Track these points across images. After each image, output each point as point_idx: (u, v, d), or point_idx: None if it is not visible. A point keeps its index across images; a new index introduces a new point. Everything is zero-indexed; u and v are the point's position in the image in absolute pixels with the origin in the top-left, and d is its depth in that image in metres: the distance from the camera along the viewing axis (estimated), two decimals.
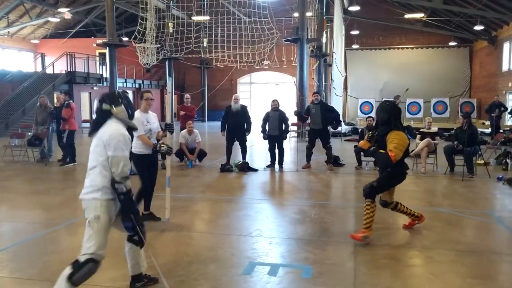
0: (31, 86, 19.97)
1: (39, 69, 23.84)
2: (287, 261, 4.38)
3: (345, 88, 26.18)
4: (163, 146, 5.21)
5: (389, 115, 4.70)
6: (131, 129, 3.38)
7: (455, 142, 9.12)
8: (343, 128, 19.29)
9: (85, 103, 24.10)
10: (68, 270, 3.07)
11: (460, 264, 4.26)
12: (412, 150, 11.05)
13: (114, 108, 3.25)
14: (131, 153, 3.38)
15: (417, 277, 4.00)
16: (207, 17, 25.21)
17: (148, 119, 5.40)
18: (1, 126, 17.73)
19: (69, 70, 22.05)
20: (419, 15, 23.31)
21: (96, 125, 3.26)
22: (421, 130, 10.32)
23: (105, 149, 3.15)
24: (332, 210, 6.44)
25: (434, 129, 10.27)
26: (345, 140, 16.78)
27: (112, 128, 3.20)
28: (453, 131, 10.01)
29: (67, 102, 10.60)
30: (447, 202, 6.95)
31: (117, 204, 3.25)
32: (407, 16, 23.57)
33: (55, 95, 18.36)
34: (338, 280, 3.90)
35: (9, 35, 25.80)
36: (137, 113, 5.27)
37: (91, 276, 3.14)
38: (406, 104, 23.07)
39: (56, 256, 4.46)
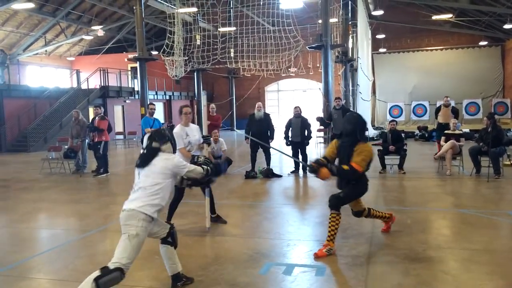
0: (67, 102, 20.96)
1: (75, 85, 24.98)
2: (303, 261, 4.55)
3: (373, 92, 26.02)
4: (201, 158, 5.47)
5: (354, 126, 4.65)
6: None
7: (481, 144, 9.02)
8: (371, 132, 19.20)
9: (119, 116, 25.04)
10: (96, 273, 3.32)
11: (473, 262, 4.31)
12: (436, 153, 11.01)
13: (162, 146, 3.76)
14: None
15: (429, 275, 4.08)
16: (233, 28, 25.74)
17: (188, 132, 5.65)
18: (40, 140, 18.70)
19: (102, 85, 23.01)
20: (447, 16, 22.96)
21: (145, 159, 3.73)
22: (446, 132, 10.24)
23: (168, 175, 3.69)
24: (351, 214, 6.53)
25: (464, 130, 10.15)
26: (373, 145, 16.68)
27: (169, 158, 3.75)
28: (479, 132, 9.88)
29: (101, 114, 11.16)
30: (470, 203, 6.93)
31: (155, 223, 3.70)
32: (434, 17, 23.26)
33: (90, 109, 19.23)
34: (350, 278, 4.05)
35: (46, 53, 27.18)
36: (177, 128, 5.69)
37: (116, 284, 3.37)
38: (411, 107, 22.78)
39: (87, 259, 4.81)
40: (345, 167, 4.53)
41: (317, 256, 4.56)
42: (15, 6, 19.87)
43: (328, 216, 4.73)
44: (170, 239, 3.82)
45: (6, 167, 13.60)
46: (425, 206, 6.90)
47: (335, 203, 4.68)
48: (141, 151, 3.93)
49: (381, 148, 10.19)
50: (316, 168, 4.58)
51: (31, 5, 20.12)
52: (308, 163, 4.74)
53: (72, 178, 10.93)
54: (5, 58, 20.92)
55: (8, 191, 9.29)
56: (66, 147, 12.00)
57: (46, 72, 27.80)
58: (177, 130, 5.63)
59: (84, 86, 24.18)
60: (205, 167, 3.96)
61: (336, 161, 4.83)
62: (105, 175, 10.89)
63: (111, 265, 3.34)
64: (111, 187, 9.92)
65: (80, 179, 10.76)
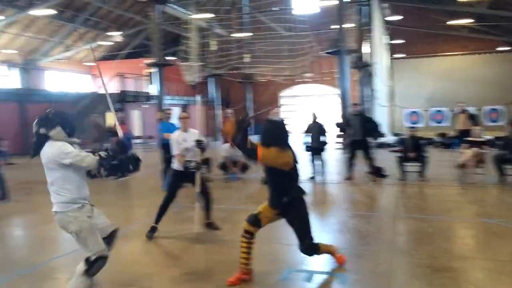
0: (87, 106, 21.30)
1: (94, 89, 25.37)
2: (324, 268, 4.52)
3: (392, 98, 25.80)
4: (192, 163, 5.51)
5: (267, 134, 4.12)
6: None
7: (505, 151, 8.84)
8: (389, 138, 19.02)
9: (136, 120, 25.34)
10: (82, 267, 3.45)
11: (499, 273, 4.22)
12: (457, 161, 10.81)
13: (50, 131, 3.38)
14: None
15: (454, 286, 4.01)
16: (248, 34, 25.86)
17: (185, 138, 5.68)
18: None
19: (120, 90, 23.32)
20: (464, 21, 22.68)
21: (34, 148, 3.44)
22: (468, 139, 10.03)
23: (59, 167, 3.36)
24: (372, 221, 6.49)
25: (486, 137, 9.97)
26: (391, 151, 16.51)
27: (53, 148, 3.37)
28: (502, 139, 9.69)
29: (121, 119, 11.34)
30: (494, 213, 6.79)
31: (85, 207, 3.55)
32: (451, 22, 23.00)
33: (107, 114, 19.48)
34: (373, 287, 4.00)
35: (66, 59, 27.67)
36: (175, 133, 5.78)
37: (103, 266, 3.52)
38: (430, 113, 22.52)
39: (109, 261, 4.85)
40: (255, 144, 4.04)
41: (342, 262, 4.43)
42: (36, 12, 20.32)
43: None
44: (88, 265, 3.51)
45: (29, 169, 13.80)
46: (448, 214, 6.79)
47: (313, 249, 4.21)
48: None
49: (400, 155, 10.07)
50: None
51: (51, 12, 20.55)
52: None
53: (93, 180, 11.01)
54: (25, 64, 21.35)
55: (31, 193, 9.46)
56: (87, 150, 12.18)
57: (66, 77, 28.27)
58: (174, 136, 5.76)
59: (102, 90, 24.53)
60: (97, 157, 3.44)
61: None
62: (124, 178, 11.01)
63: (91, 257, 3.45)
64: (131, 190, 10.03)
65: (101, 181, 10.88)
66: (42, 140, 3.37)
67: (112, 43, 27.06)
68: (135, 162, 4.46)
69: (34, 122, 3.44)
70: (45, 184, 3.55)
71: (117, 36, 25.37)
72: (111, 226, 3.74)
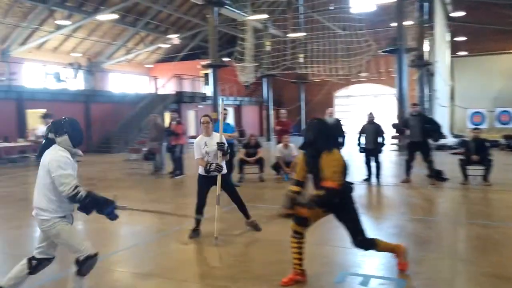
0: (146, 106, 22.21)
1: (152, 90, 26.39)
2: (380, 273, 4.40)
3: (452, 98, 24.62)
4: (212, 165, 5.50)
5: (314, 134, 3.94)
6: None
7: None
8: (450, 140, 18.18)
9: (191, 120, 26.03)
10: (74, 268, 3.49)
11: None
12: None
13: (58, 137, 3.43)
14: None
15: None
16: (303, 34, 25.73)
17: (207, 142, 5.65)
18: (121, 142, 19.95)
19: (177, 90, 24.08)
20: None
21: (41, 150, 3.50)
22: None
23: (48, 174, 3.34)
24: (431, 226, 6.23)
25: None
26: (452, 154, 15.76)
27: (53, 153, 3.39)
28: None
29: (178, 119, 11.69)
30: None
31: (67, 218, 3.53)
32: None
33: (166, 114, 20.21)
34: None
35: (127, 61, 29.01)
36: (198, 138, 5.76)
37: (95, 264, 3.55)
38: (495, 113, 21.05)
39: (166, 256, 5.05)
40: (319, 192, 3.82)
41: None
42: (100, 17, 21.48)
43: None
44: (78, 265, 3.48)
45: (92, 167, 14.65)
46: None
47: (368, 244, 4.06)
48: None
49: (462, 157, 9.58)
50: (291, 213, 3.96)
51: (114, 16, 21.63)
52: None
53: (151, 178, 11.52)
54: (91, 66, 22.61)
55: (95, 189, 9.86)
56: (145, 149, 12.69)
57: (127, 78, 29.64)
58: (196, 140, 5.75)
59: (160, 91, 25.50)
60: (81, 189, 3.35)
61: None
62: (180, 176, 11.35)
63: (80, 257, 3.46)
64: (186, 188, 10.31)
65: (158, 179, 11.30)
66: (49, 143, 3.46)
67: (170, 46, 28.00)
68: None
69: (47, 126, 3.59)
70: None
71: (175, 38, 26.23)
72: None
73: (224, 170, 5.64)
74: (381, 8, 23.51)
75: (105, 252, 5.23)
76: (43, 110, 12.72)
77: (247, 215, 5.99)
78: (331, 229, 6.07)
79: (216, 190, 5.59)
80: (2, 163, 15.01)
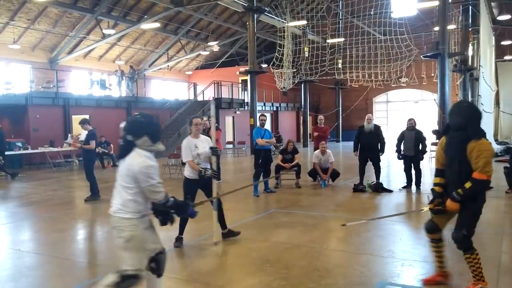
0: (185, 112, 22.71)
1: (192, 97, 26.95)
2: (419, 283, 4.32)
3: (497, 103, 23.66)
4: (208, 171, 5.43)
5: (464, 119, 3.70)
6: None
7: None
8: (495, 147, 17.48)
9: (229, 126, 26.37)
10: (113, 278, 3.18)
11: None
12: None
13: (136, 140, 3.26)
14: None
15: None
16: (341, 39, 25.55)
17: (197, 144, 5.56)
18: None
19: (216, 97, 24.49)
20: None
21: (122, 151, 3.32)
22: None
23: (134, 181, 3.19)
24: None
25: None
26: (496, 161, 15.15)
27: (140, 161, 3.21)
28: None
29: (216, 125, 11.87)
30: None
31: (145, 217, 3.34)
32: None
33: (202, 120, 20.56)
34: None
35: (168, 68, 29.79)
36: (186, 140, 5.62)
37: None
38: None
39: (203, 261, 5.15)
40: (468, 184, 3.65)
41: None
42: (144, 26, 22.23)
43: (463, 257, 3.92)
44: (154, 265, 3.31)
45: None
46: None
47: (466, 244, 3.82)
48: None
49: (508, 165, 9.21)
50: (441, 209, 3.86)
51: (157, 25, 22.32)
52: (428, 203, 3.95)
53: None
54: (134, 74, 23.39)
55: None
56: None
57: (168, 85, 30.42)
58: (185, 142, 5.58)
59: (199, 98, 26.00)
60: (170, 197, 3.34)
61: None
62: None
63: (129, 271, 3.20)
64: (223, 193, 10.43)
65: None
66: (129, 146, 3.28)
67: (209, 52, 28.54)
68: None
69: (122, 126, 3.39)
70: None
71: (214, 45, 26.73)
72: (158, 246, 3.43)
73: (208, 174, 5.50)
74: (423, 12, 23.00)
75: None
76: (86, 116, 13.26)
77: (224, 225, 5.87)
78: (370, 238, 6.02)
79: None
80: (47, 167, 15.77)
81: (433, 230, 4.02)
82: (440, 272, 4.15)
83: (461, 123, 3.70)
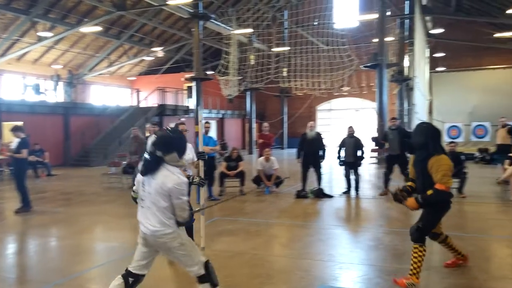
0: (127, 119, 22.04)
1: (134, 103, 26.23)
2: (357, 285, 4.43)
3: (430, 112, 25.12)
4: (196, 178, 5.49)
5: (425, 138, 4.25)
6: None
7: None
8: None
9: None
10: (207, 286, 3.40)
11: None
12: (498, 177, 10.38)
13: (166, 156, 3.30)
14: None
15: None
16: (287, 48, 26.05)
17: None
18: (100, 156, 19.70)
19: (160, 103, 24.01)
20: (511, 34, 21.86)
21: (150, 167, 3.32)
22: (510, 154, 9.68)
23: (167, 198, 3.27)
24: (407, 238, 6.28)
25: None
26: None
27: (174, 178, 3.28)
28: None
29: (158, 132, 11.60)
30: None
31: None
32: (497, 35, 22.24)
33: (146, 126, 20.07)
34: None
35: (109, 73, 28.83)
36: None
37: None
38: (471, 127, 21.76)
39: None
40: (429, 192, 4.15)
41: (395, 283, 4.26)
42: (84, 29, 21.37)
43: (412, 248, 4.32)
44: (205, 278, 3.44)
45: (69, 181, 14.42)
46: (488, 233, 6.53)
47: (417, 236, 4.25)
48: (145, 155, 3.42)
49: None
50: (402, 197, 4.38)
51: (98, 29, 21.54)
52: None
53: (129, 192, 11.34)
54: (72, 78, 22.41)
55: (71, 204, 9.83)
56: (124, 162, 12.55)
57: (109, 91, 29.42)
58: None
59: (143, 104, 25.37)
60: (190, 216, 3.44)
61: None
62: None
63: (200, 271, 3.40)
64: None
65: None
66: (157, 162, 3.29)
67: (153, 58, 27.99)
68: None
69: (152, 142, 3.38)
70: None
71: (159, 51, 26.23)
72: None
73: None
74: (364, 24, 24.03)
75: (79, 269, 5.16)
76: (20, 123, 12.46)
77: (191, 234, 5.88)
78: (312, 242, 6.12)
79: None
80: None
81: (435, 237, 4.67)
82: (458, 257, 4.80)
83: (422, 142, 4.27)
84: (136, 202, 3.56)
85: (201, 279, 3.42)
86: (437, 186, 4.09)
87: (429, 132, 4.32)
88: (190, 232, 5.70)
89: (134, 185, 3.70)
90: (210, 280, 3.43)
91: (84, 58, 26.28)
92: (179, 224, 3.37)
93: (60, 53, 24.56)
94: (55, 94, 21.28)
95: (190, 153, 5.64)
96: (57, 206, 9.52)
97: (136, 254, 3.54)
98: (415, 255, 4.25)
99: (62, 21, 21.57)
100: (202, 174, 5.52)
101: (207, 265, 3.43)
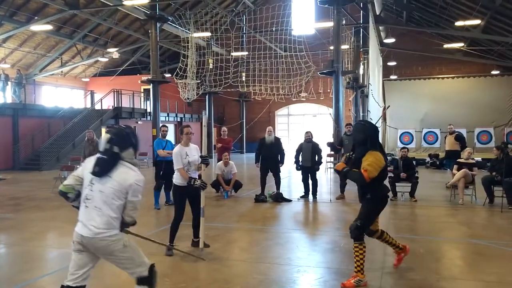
0: (81, 122, 21.28)
1: (89, 105, 25.37)
2: None
3: (384, 118, 26.03)
4: (197, 181, 5.49)
5: (365, 135, 4.50)
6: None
7: (494, 173, 8.95)
8: None
9: None
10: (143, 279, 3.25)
11: None
12: (447, 182, 10.91)
13: (123, 152, 3.20)
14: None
15: None
16: (245, 53, 26.17)
17: (188, 152, 5.64)
18: (53, 159, 18.91)
19: (115, 105, 23.37)
20: (458, 45, 23.11)
21: (107, 167, 3.16)
22: (458, 160, 10.20)
23: (124, 195, 3.13)
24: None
25: (476, 159, 10.09)
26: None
27: (133, 175, 3.18)
28: (490, 162, 9.81)
29: None
30: (483, 234, 6.82)
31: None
32: (446, 46, 23.43)
33: (103, 129, 19.48)
34: None
35: (62, 74, 27.76)
36: (178, 147, 5.67)
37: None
38: (422, 134, 22.87)
39: (95, 281, 4.79)
40: (354, 171, 4.48)
41: (344, 286, 4.40)
42: (34, 27, 20.46)
43: (352, 247, 4.53)
44: (147, 280, 3.29)
45: (18, 185, 13.73)
46: (438, 235, 6.82)
47: (356, 233, 4.47)
48: (98, 155, 3.23)
49: (391, 175, 10.13)
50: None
51: (49, 27, 20.71)
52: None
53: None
54: (21, 78, 21.39)
55: (20, 209, 9.36)
56: (78, 166, 12.08)
57: (61, 92, 28.32)
58: (177, 150, 5.65)
59: (97, 106, 24.58)
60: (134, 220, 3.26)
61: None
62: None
63: (143, 273, 3.26)
64: None
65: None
66: (114, 159, 3.15)
67: (108, 59, 27.24)
68: None
69: (106, 139, 3.21)
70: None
71: (114, 52, 25.55)
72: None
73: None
74: (320, 32, 24.57)
75: (26, 277, 4.91)
76: None
77: (197, 234, 5.86)
78: (270, 246, 6.15)
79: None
80: None
81: (372, 234, 4.86)
82: (398, 251, 5.02)
83: (362, 139, 4.53)
84: (66, 197, 3.34)
85: (141, 281, 3.25)
86: (362, 170, 4.35)
87: (368, 130, 4.57)
88: (196, 232, 5.83)
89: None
90: (149, 285, 3.27)
91: (34, 57, 25.18)
92: (124, 225, 3.21)
93: (8, 52, 23.39)
94: (3, 95, 20.24)
95: (196, 154, 5.67)
96: (6, 211, 9.07)
97: (72, 265, 3.25)
98: (357, 253, 4.49)
99: (10, 18, 20.54)
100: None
101: (152, 268, 3.30)
